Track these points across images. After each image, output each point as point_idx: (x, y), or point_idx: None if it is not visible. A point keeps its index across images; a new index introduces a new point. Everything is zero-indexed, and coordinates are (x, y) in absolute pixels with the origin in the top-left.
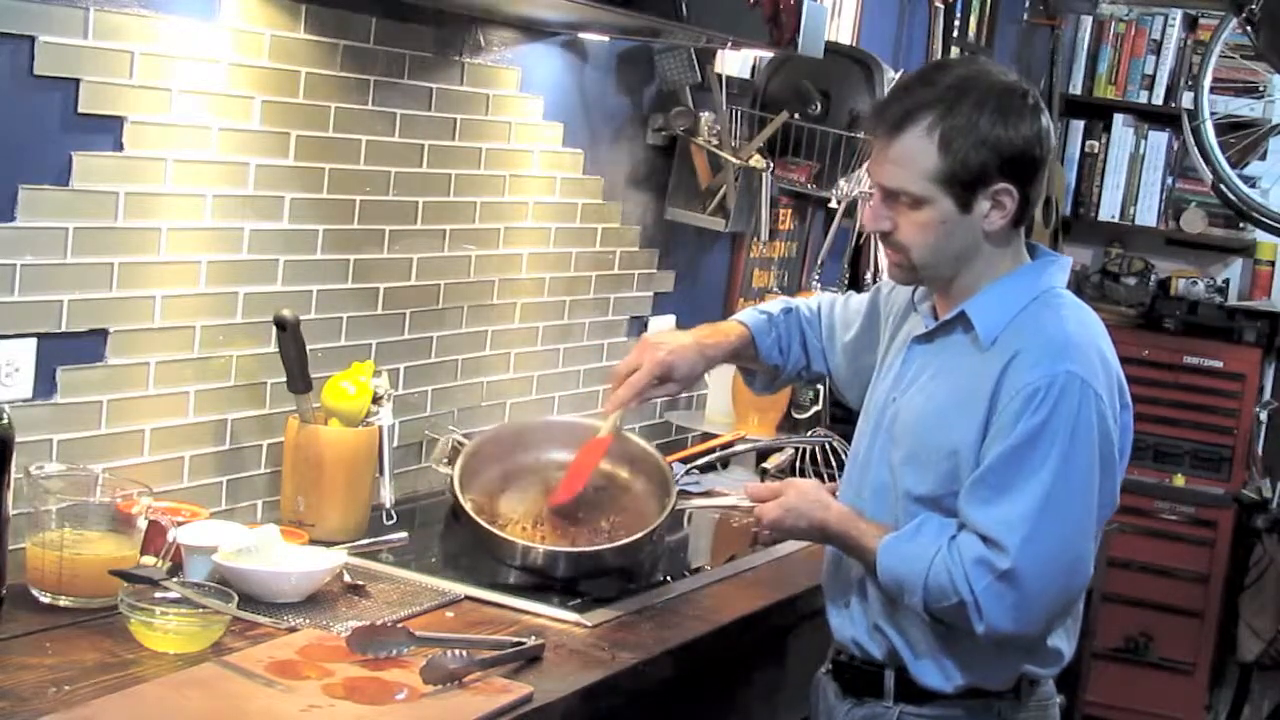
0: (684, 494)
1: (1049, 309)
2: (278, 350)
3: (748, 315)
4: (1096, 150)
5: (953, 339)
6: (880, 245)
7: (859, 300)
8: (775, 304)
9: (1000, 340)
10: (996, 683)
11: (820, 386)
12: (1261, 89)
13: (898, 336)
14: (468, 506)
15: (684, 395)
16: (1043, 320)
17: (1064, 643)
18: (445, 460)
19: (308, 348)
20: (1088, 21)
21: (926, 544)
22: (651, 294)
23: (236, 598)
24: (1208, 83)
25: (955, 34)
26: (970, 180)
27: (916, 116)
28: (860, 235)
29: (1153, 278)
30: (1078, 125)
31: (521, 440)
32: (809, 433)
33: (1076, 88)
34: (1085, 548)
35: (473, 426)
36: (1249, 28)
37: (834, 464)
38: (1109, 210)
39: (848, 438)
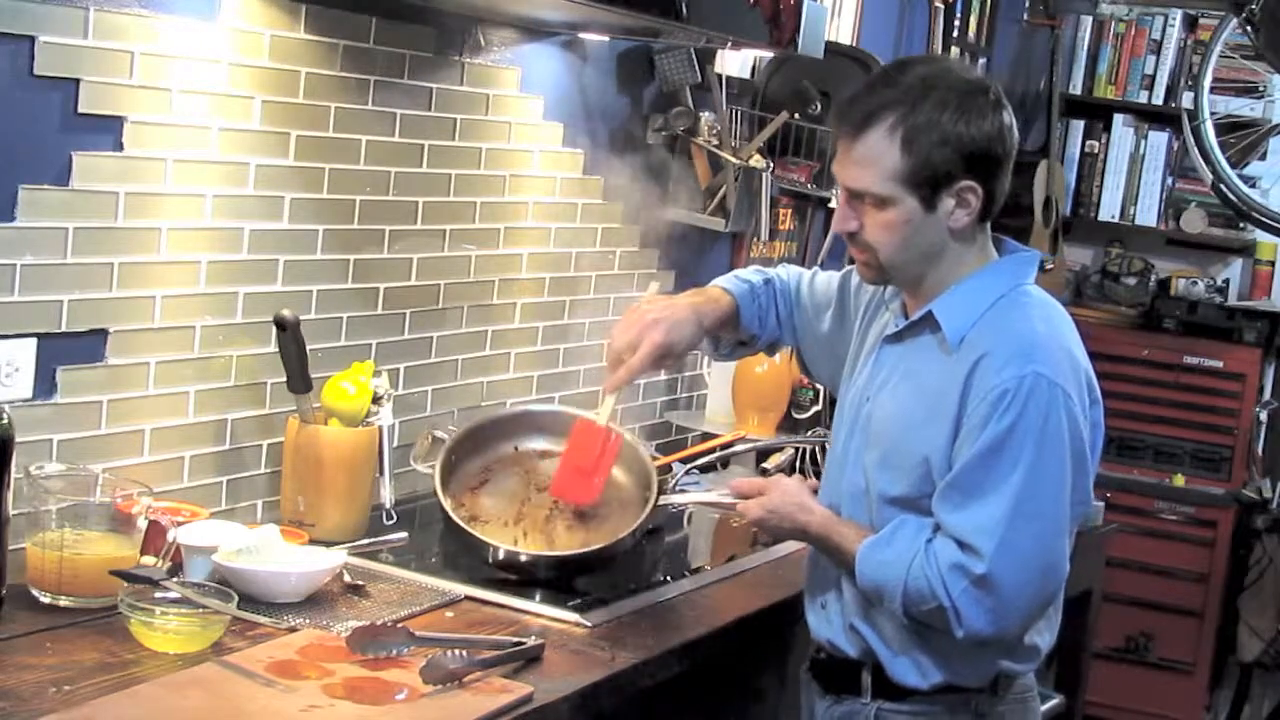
0: (680, 492)
1: (1015, 308)
2: (278, 350)
3: (731, 284)
4: (1096, 150)
5: (921, 339)
6: (849, 245)
7: (825, 283)
8: (753, 273)
9: (967, 341)
10: (973, 680)
11: (820, 387)
12: (1261, 89)
13: (870, 333)
14: (447, 505)
15: (684, 395)
16: (1009, 320)
17: (1042, 638)
18: (426, 457)
19: (308, 348)
20: (1088, 21)
21: (903, 549)
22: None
23: (236, 598)
24: (1208, 83)
25: (955, 34)
26: (934, 179)
27: (879, 117)
28: None
29: (1153, 278)
30: (1078, 125)
31: (499, 431)
32: (809, 433)
33: (1076, 88)
34: (1060, 548)
35: None
36: (1249, 28)
37: None
38: (1109, 210)
39: None
